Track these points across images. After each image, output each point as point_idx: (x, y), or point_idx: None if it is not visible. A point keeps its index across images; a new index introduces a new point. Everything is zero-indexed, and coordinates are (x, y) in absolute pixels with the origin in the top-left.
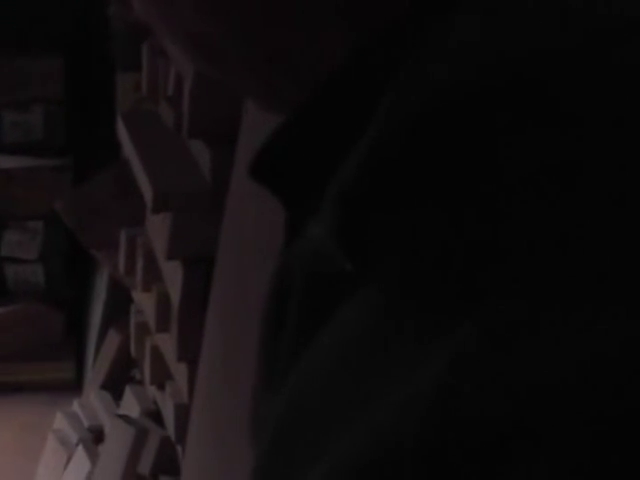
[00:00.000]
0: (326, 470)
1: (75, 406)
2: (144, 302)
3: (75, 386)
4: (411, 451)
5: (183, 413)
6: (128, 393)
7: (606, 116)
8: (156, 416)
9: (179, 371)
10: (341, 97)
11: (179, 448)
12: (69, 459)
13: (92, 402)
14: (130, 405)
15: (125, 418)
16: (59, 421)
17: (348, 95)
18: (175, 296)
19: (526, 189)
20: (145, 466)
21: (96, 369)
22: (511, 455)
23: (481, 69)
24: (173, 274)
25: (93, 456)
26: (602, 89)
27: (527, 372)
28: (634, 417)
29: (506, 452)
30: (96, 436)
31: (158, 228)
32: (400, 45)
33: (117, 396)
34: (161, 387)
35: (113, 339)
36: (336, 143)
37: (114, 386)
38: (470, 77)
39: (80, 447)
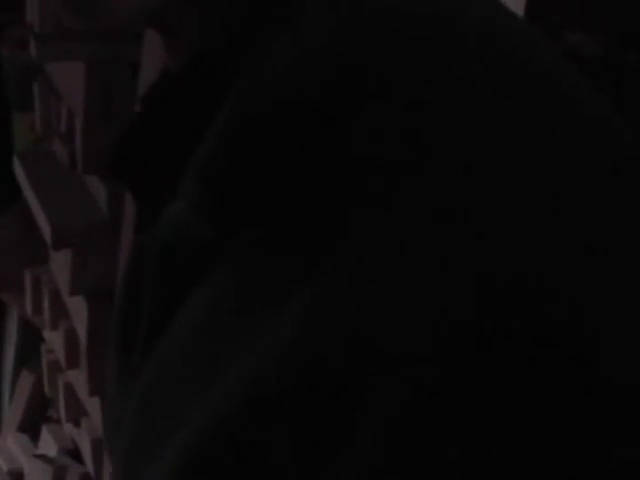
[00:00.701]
0: (192, 430)
1: None
2: (54, 340)
3: None
4: (275, 389)
5: (100, 448)
6: (45, 432)
7: (412, 79)
8: (75, 453)
9: (93, 406)
10: (188, 91)
11: None
12: None
13: (10, 445)
14: (48, 444)
15: (43, 457)
16: None
17: (195, 89)
18: (82, 331)
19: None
20: None
21: (11, 412)
22: (357, 382)
23: (317, 66)
24: (79, 309)
25: None
26: (406, 61)
27: (367, 311)
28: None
29: (353, 380)
30: (16, 479)
31: (61, 265)
32: (244, 43)
33: (35, 437)
34: (77, 424)
35: (26, 380)
36: (185, 135)
37: (31, 427)
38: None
39: None
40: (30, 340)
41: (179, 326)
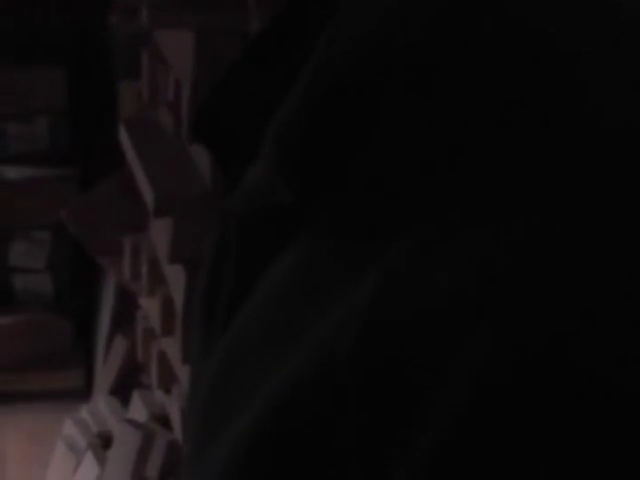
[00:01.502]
0: (264, 395)
1: (84, 412)
2: (150, 307)
3: (85, 393)
4: (346, 363)
5: None
6: (136, 398)
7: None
8: (164, 420)
9: (185, 374)
10: (268, 55)
11: None
12: (78, 465)
13: (100, 408)
14: (138, 409)
15: (132, 422)
16: (68, 427)
17: (275, 53)
18: (179, 300)
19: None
20: (152, 469)
21: (104, 375)
22: (439, 369)
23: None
24: (176, 278)
25: (102, 461)
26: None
27: (450, 289)
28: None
29: (436, 366)
30: (105, 441)
31: (161, 233)
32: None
33: (125, 401)
34: (168, 391)
35: (120, 345)
36: (266, 95)
37: (122, 391)
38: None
39: (89, 452)
40: (126, 306)
41: (260, 294)
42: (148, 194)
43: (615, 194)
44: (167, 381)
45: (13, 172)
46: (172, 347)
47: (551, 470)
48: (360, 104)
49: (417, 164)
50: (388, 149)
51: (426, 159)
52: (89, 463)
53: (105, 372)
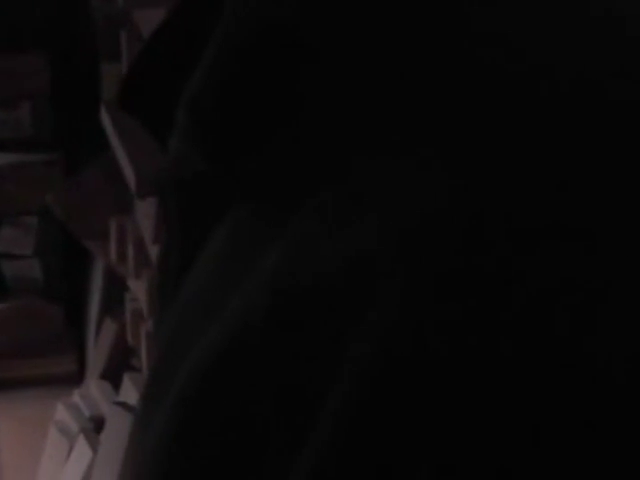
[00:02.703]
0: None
1: (75, 397)
2: (137, 289)
3: (78, 378)
4: (262, 321)
5: None
6: (126, 381)
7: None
8: None
9: None
10: (187, 19)
11: None
12: (71, 449)
13: (92, 392)
14: (129, 392)
15: (124, 405)
16: (60, 412)
17: (193, 17)
18: None
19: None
20: None
21: (95, 359)
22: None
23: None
24: None
25: (94, 444)
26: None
27: (356, 238)
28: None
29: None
30: (97, 425)
31: (145, 215)
32: None
33: (117, 385)
34: None
35: (109, 328)
36: (184, 59)
37: (114, 375)
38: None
39: (81, 437)
40: (115, 289)
41: (198, 265)
42: (130, 176)
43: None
44: None
45: None
46: None
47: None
48: (268, 67)
49: (327, 124)
50: (300, 109)
51: (336, 117)
52: (81, 448)
53: (96, 356)
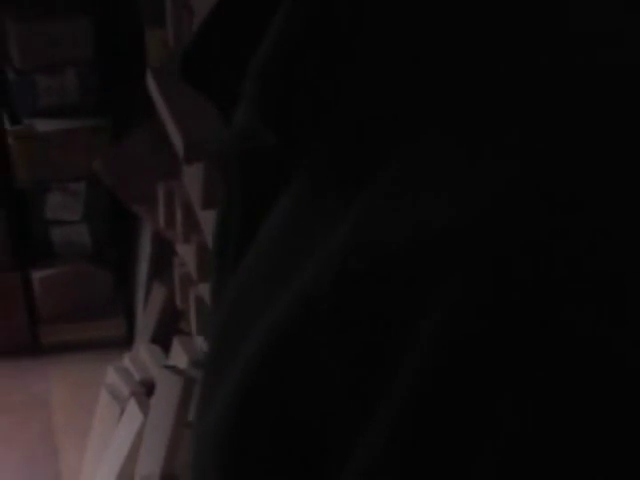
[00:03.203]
0: (256, 337)
1: (126, 361)
2: (185, 253)
3: (127, 342)
4: (325, 305)
5: None
6: (176, 344)
7: None
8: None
9: None
10: None
11: None
12: (122, 412)
13: (142, 356)
14: (178, 356)
15: (173, 369)
16: (111, 376)
17: None
18: None
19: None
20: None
21: (144, 323)
22: (419, 293)
23: None
24: (210, 224)
25: (145, 408)
26: None
27: (431, 215)
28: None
29: (412, 302)
30: (147, 388)
31: (193, 179)
32: None
33: (166, 348)
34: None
35: (158, 293)
36: (250, 31)
37: (163, 339)
38: None
39: (132, 400)
40: (163, 253)
41: (261, 237)
42: (177, 141)
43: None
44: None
45: (44, 125)
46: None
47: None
48: (337, 40)
49: (392, 101)
50: (365, 85)
51: (401, 97)
52: (132, 411)
53: (145, 320)
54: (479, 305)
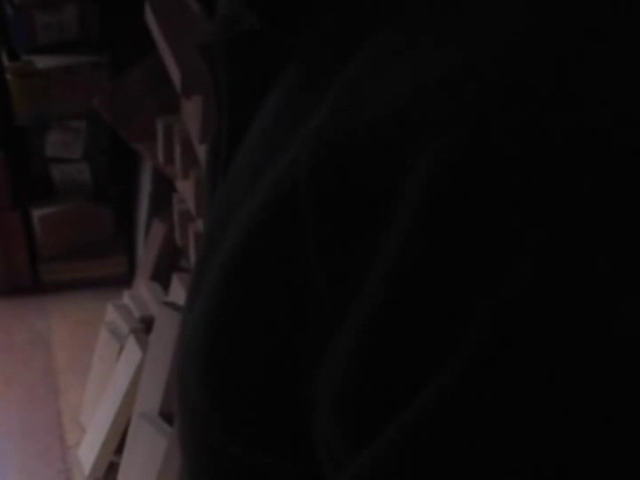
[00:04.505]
0: (236, 224)
1: (125, 298)
2: (185, 189)
3: (128, 279)
4: (305, 180)
5: None
6: (175, 281)
7: None
8: None
9: None
10: None
11: None
12: (121, 349)
13: (142, 293)
14: (177, 293)
15: (173, 305)
16: (110, 313)
17: None
18: None
19: None
20: None
21: (144, 261)
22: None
23: None
24: None
25: (144, 345)
26: None
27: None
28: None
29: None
30: (147, 326)
31: (192, 114)
32: None
33: (166, 285)
34: None
35: (158, 230)
36: None
37: (163, 276)
38: None
39: (131, 337)
40: (163, 191)
41: (252, 132)
42: (176, 74)
43: None
44: None
45: (44, 61)
46: None
47: None
48: None
49: None
50: None
51: None
52: (131, 348)
53: (145, 257)
54: (467, 154)
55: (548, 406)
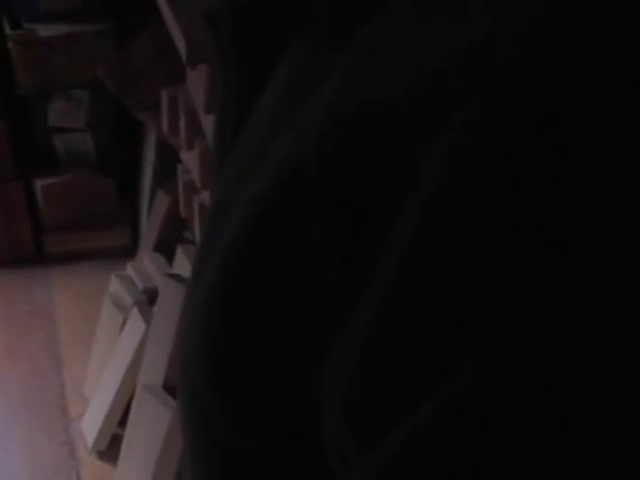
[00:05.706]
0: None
1: (129, 269)
2: (189, 160)
3: (131, 251)
4: (311, 157)
5: None
6: (179, 253)
7: None
8: None
9: None
10: None
11: None
12: (125, 321)
13: (145, 264)
14: (182, 265)
15: (176, 277)
16: (114, 285)
17: None
18: None
19: None
20: None
21: (148, 232)
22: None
23: None
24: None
25: (148, 317)
26: None
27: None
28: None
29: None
30: (150, 297)
31: (197, 84)
32: None
33: (170, 257)
34: None
35: (162, 201)
36: None
37: (167, 247)
38: None
39: (134, 309)
40: (167, 161)
41: (259, 107)
42: (181, 43)
43: None
44: None
45: (46, 30)
46: None
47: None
48: None
49: None
50: None
51: None
52: (135, 320)
53: (149, 229)
54: (495, 127)
55: (561, 412)
